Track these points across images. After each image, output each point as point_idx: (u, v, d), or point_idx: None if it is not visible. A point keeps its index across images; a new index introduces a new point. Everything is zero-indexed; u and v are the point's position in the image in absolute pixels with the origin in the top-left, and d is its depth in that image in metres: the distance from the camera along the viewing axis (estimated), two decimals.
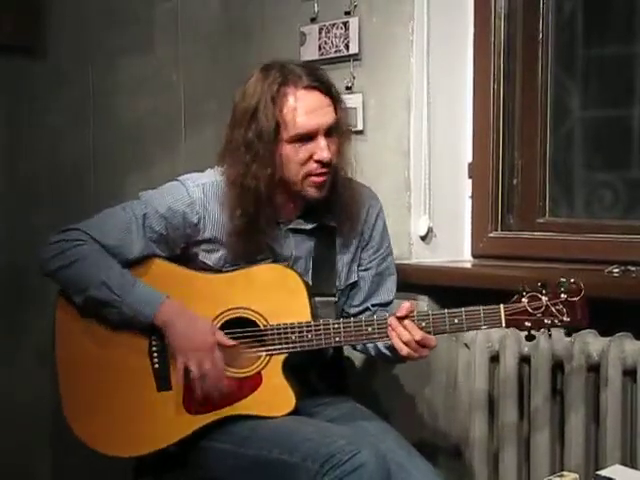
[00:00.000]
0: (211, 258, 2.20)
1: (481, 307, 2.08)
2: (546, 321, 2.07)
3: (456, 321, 2.08)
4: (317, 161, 2.11)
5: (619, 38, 2.81)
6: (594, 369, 2.35)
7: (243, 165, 2.12)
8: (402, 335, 2.07)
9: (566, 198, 2.85)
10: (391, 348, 2.14)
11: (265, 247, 2.19)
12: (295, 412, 2.11)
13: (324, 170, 2.12)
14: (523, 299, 2.08)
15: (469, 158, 2.82)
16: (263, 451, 2.03)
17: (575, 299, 2.06)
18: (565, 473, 1.99)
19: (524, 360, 2.45)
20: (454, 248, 2.83)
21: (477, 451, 2.52)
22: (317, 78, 2.12)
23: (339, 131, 2.15)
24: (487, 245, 2.79)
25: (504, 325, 2.09)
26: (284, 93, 2.09)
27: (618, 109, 2.82)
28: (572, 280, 2.07)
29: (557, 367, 2.40)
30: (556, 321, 2.07)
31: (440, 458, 2.65)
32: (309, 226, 2.23)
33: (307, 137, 2.10)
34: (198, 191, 2.18)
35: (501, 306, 2.08)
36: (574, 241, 2.61)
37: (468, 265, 2.78)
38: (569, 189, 2.86)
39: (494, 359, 2.51)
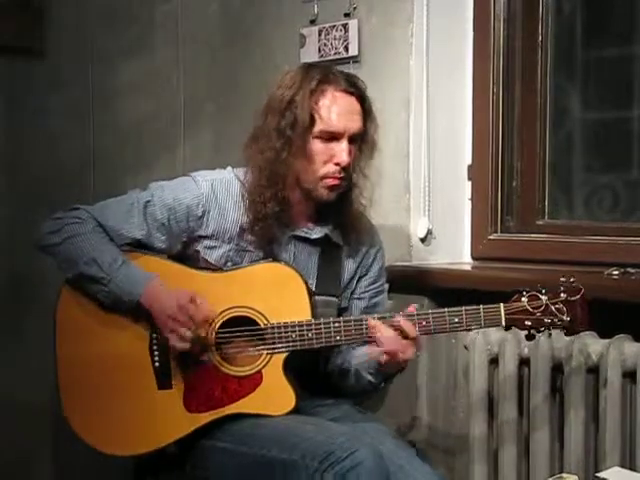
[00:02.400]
0: (213, 255, 2.20)
1: (481, 306, 2.09)
2: (546, 320, 2.07)
3: (456, 320, 2.09)
4: (336, 164, 2.13)
5: (618, 40, 2.82)
6: (594, 371, 2.35)
7: (273, 151, 2.14)
8: (383, 331, 2.07)
9: (566, 200, 2.85)
10: (371, 368, 2.18)
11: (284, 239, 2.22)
12: (295, 412, 2.11)
13: (341, 175, 2.15)
14: (523, 298, 2.08)
15: (468, 160, 2.82)
16: (262, 450, 2.03)
17: (575, 298, 2.07)
18: (564, 475, 1.99)
19: (524, 362, 2.45)
20: (454, 250, 2.83)
21: (477, 453, 2.53)
22: (355, 86, 2.17)
23: (362, 142, 2.18)
24: (486, 247, 2.79)
25: (504, 324, 2.09)
26: (322, 89, 2.13)
27: (617, 111, 2.83)
28: (572, 280, 2.08)
29: (557, 369, 2.40)
30: (556, 320, 2.07)
31: (440, 460, 2.65)
32: (314, 236, 2.24)
33: (333, 137, 2.13)
34: (206, 186, 2.20)
35: (501, 305, 2.09)
36: (574, 243, 2.61)
37: (468, 267, 2.78)
38: (569, 191, 2.86)
39: (493, 361, 2.51)
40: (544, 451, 2.41)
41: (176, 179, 2.25)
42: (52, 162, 2.80)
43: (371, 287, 2.34)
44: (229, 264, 2.20)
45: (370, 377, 2.22)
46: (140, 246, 2.20)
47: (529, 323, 2.08)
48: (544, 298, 2.07)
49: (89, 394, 2.18)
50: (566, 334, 2.11)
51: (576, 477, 1.94)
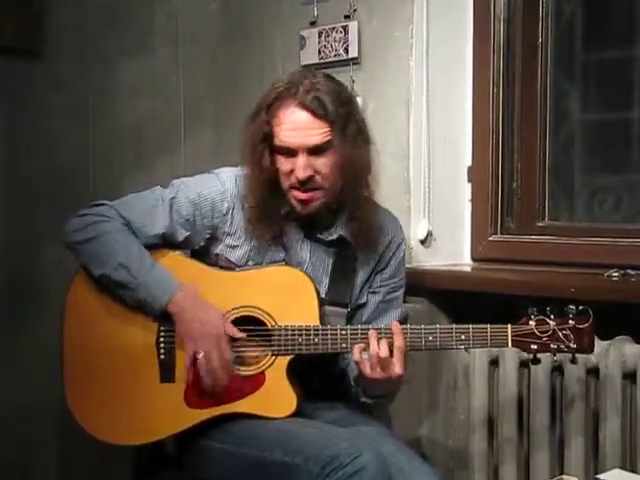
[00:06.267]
0: (234, 254, 2.21)
1: (489, 325, 2.08)
2: (552, 346, 2.06)
3: (463, 337, 2.08)
4: (296, 177, 2.13)
5: (618, 41, 2.83)
6: (594, 372, 2.35)
7: (251, 161, 2.17)
8: (371, 346, 2.07)
9: (566, 201, 2.86)
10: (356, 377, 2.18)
11: (279, 239, 2.21)
12: (295, 414, 2.11)
13: (305, 188, 2.13)
14: (531, 321, 2.06)
15: (469, 161, 2.83)
16: (264, 452, 2.02)
17: (583, 326, 2.05)
18: (565, 476, 2.00)
19: (524, 364, 2.46)
20: (454, 252, 2.83)
21: (477, 455, 2.53)
22: (314, 98, 2.11)
23: (334, 152, 2.13)
24: (487, 248, 2.79)
25: (510, 345, 2.08)
26: (279, 105, 2.13)
27: (617, 112, 2.83)
28: (581, 306, 2.06)
29: (557, 370, 2.41)
30: (562, 346, 2.06)
31: (439, 461, 2.65)
32: (328, 238, 2.24)
33: (290, 152, 2.12)
34: (230, 182, 2.21)
35: (509, 326, 2.07)
36: (574, 244, 2.61)
37: (468, 269, 2.78)
38: (569, 192, 2.86)
39: (494, 362, 2.51)
40: (544, 452, 2.41)
41: (199, 175, 2.26)
42: (52, 162, 2.79)
43: (388, 282, 2.31)
44: (250, 263, 2.21)
45: (353, 383, 2.23)
46: (163, 241, 2.20)
47: (535, 347, 2.07)
48: (552, 323, 2.05)
49: (92, 381, 2.17)
50: (571, 361, 2.10)
51: (576, 478, 1.95)
